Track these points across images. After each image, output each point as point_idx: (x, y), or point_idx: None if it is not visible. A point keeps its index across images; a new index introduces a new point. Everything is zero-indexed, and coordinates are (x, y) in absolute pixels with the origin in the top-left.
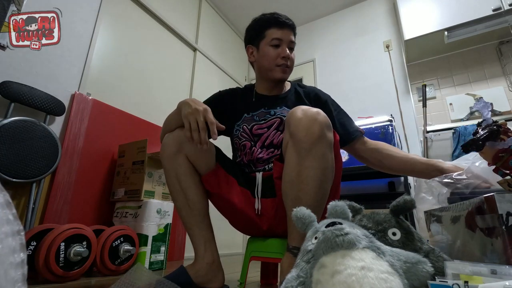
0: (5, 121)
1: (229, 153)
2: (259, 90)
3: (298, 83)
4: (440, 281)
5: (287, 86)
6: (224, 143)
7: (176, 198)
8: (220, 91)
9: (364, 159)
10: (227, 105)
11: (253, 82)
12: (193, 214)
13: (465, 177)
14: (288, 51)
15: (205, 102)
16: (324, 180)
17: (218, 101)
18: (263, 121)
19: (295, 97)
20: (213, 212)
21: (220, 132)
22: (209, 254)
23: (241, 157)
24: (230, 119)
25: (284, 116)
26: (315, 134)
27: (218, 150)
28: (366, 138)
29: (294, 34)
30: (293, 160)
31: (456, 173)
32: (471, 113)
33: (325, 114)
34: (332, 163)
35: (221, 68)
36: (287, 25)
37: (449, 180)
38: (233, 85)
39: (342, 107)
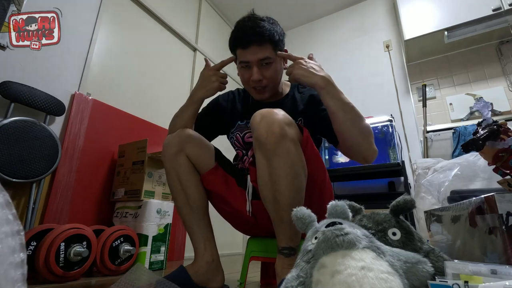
0: (5, 121)
1: (229, 153)
2: None
3: (298, 85)
4: (440, 281)
5: (287, 89)
6: (224, 144)
7: (177, 198)
8: (218, 96)
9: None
10: (224, 112)
11: None
12: (193, 213)
13: None
14: (256, 74)
15: (203, 109)
16: (295, 176)
17: (214, 108)
18: None
19: (291, 103)
20: (214, 212)
21: (219, 132)
22: (208, 253)
23: (237, 163)
24: (225, 126)
25: None
26: (276, 134)
27: (217, 151)
28: None
29: (272, 43)
30: (262, 163)
31: None
32: (471, 113)
33: (284, 112)
34: (300, 158)
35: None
36: (253, 42)
37: None
38: (233, 85)
39: None
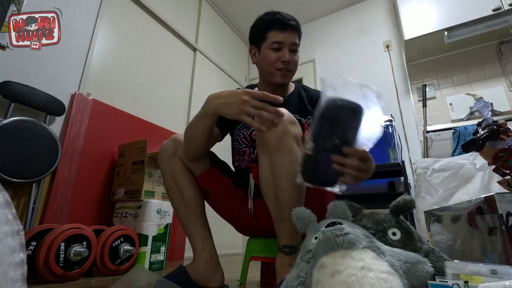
0: (5, 121)
1: (225, 156)
2: None
3: (303, 85)
4: (440, 281)
5: (291, 88)
6: (222, 143)
7: (173, 199)
8: None
9: None
10: None
11: (254, 82)
12: (190, 213)
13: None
14: (288, 56)
15: None
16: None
17: None
18: None
19: (298, 101)
20: (212, 212)
21: (225, 132)
22: (206, 251)
23: (239, 162)
24: (231, 124)
25: None
26: (279, 131)
27: (212, 154)
28: None
29: (299, 35)
30: (264, 160)
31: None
32: (471, 113)
33: (287, 111)
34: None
35: (221, 68)
36: (290, 26)
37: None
38: (233, 85)
39: None
